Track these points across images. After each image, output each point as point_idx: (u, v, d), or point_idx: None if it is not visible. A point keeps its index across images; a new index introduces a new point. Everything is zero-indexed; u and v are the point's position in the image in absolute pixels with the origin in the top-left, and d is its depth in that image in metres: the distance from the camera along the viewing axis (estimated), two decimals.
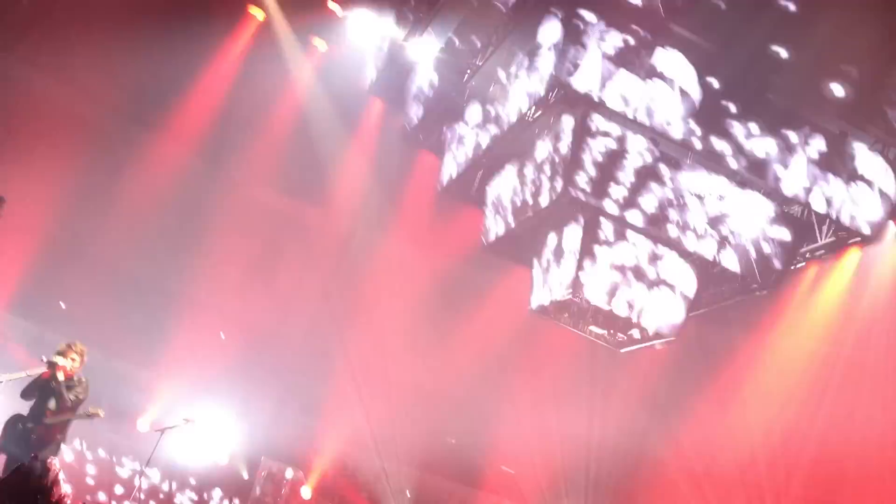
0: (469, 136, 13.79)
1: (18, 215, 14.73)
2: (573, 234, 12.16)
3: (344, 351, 17.48)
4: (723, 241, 11.84)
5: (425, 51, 13.47)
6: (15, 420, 9.41)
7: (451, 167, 14.38)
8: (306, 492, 17.73)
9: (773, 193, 11.57)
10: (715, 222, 11.80)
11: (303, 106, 16.59)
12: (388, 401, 17.54)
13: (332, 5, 14.76)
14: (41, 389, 9.31)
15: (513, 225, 13.15)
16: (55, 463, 9.34)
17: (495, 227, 13.73)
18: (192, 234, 16.70)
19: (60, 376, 9.28)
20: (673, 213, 11.64)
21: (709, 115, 11.03)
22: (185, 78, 16.26)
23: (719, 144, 11.09)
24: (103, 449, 16.44)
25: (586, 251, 11.94)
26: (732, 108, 11.15)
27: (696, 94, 10.95)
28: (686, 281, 12.23)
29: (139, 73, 15.43)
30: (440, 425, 17.97)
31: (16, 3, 14.88)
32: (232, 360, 17.46)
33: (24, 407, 9.49)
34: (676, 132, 10.94)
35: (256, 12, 16.24)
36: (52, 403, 9.29)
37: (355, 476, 19.04)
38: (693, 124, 10.95)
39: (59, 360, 9.40)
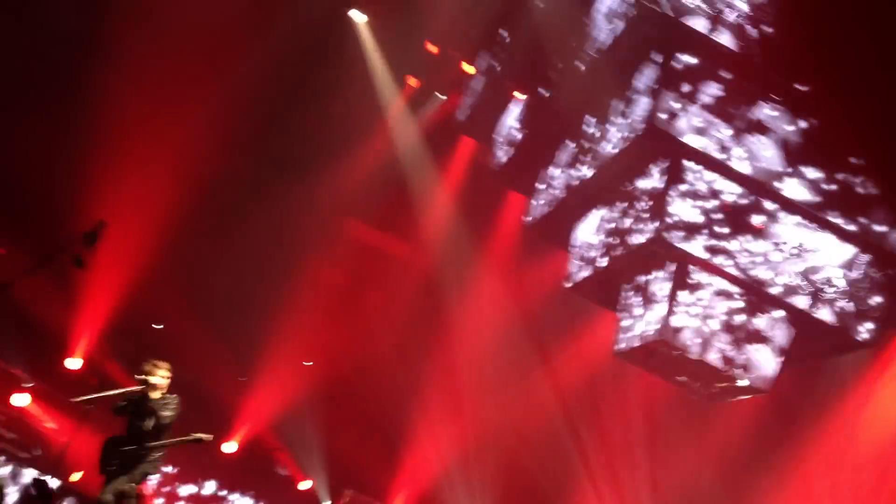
0: (558, 177, 13.66)
1: (117, 239, 15.32)
2: (662, 279, 11.85)
3: (427, 385, 17.45)
4: (819, 294, 11.33)
5: (516, 89, 13.45)
6: (113, 441, 9.41)
7: (538, 206, 14.26)
8: None
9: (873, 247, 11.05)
10: (811, 273, 11.32)
11: (394, 139, 16.77)
12: (469, 436, 17.41)
13: (430, 47, 14.89)
14: (136, 408, 9.28)
15: (599, 267, 12.90)
16: (148, 483, 9.53)
17: (581, 267, 13.50)
18: (282, 261, 17.00)
19: (156, 395, 9.27)
20: (767, 263, 11.23)
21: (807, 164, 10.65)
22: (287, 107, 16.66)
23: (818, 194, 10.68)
24: (189, 470, 16.85)
25: (675, 297, 11.60)
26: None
27: (795, 141, 10.59)
28: (780, 333, 11.74)
29: (235, 100, 15.84)
30: (520, 464, 17.72)
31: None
32: (316, 388, 17.68)
33: (121, 427, 9.47)
34: (774, 181, 10.59)
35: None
36: (148, 423, 9.20)
37: None
38: (792, 173, 10.59)
39: (153, 378, 9.41)
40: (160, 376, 9.45)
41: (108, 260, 15.40)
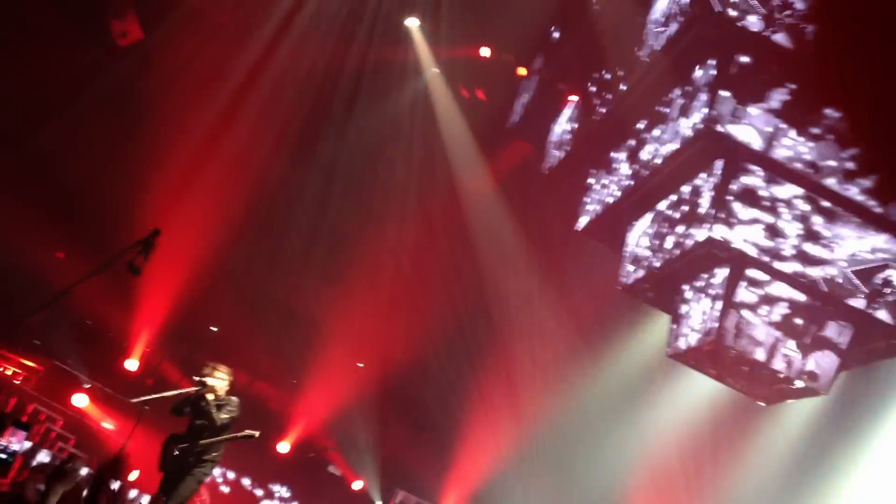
0: (611, 178, 13.64)
1: (173, 243, 15.62)
2: (717, 280, 11.79)
3: (479, 385, 17.52)
4: (878, 293, 11.20)
5: (569, 92, 13.46)
6: (171, 440, 9.63)
7: (591, 209, 14.25)
8: None
9: None
10: (871, 274, 11.19)
11: (445, 142, 16.85)
12: (519, 437, 17.44)
13: (483, 51, 14.94)
14: (193, 408, 9.49)
15: (653, 268, 12.86)
16: (203, 481, 9.70)
17: (634, 269, 13.47)
18: (335, 264, 17.19)
19: (210, 396, 9.45)
20: (826, 264, 11.12)
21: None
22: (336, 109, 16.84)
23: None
24: (243, 470, 17.09)
25: (731, 298, 11.54)
26: None
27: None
28: (839, 335, 11.62)
29: (288, 107, 16.03)
30: (572, 465, 17.70)
31: None
32: (368, 389, 17.85)
33: (181, 427, 9.70)
34: (834, 183, 10.50)
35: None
36: (205, 423, 9.43)
37: None
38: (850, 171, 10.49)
39: (209, 380, 9.59)
40: (217, 378, 9.62)
41: (164, 264, 15.70)
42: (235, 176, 16.13)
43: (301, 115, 16.04)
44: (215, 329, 18.43)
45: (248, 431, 9.49)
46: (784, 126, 10.43)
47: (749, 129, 10.42)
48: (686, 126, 11.19)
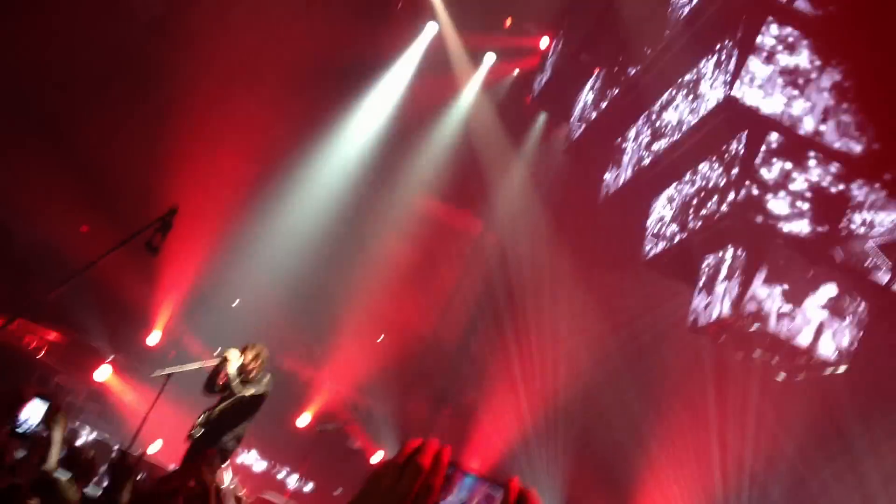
0: (633, 150, 13.58)
1: (200, 217, 15.70)
2: (740, 253, 11.75)
3: (497, 359, 17.55)
4: None
5: (591, 64, 13.37)
6: (206, 412, 9.52)
7: (612, 181, 14.20)
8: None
9: None
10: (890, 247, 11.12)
11: (467, 115, 16.81)
12: (539, 410, 17.47)
13: (507, 21, 14.85)
14: (223, 385, 9.40)
15: (675, 241, 12.83)
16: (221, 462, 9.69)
17: (657, 242, 13.44)
18: (356, 238, 17.22)
19: (231, 369, 9.35)
20: (847, 239, 11.05)
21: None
22: (360, 86, 16.83)
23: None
24: (262, 443, 17.22)
25: (753, 272, 11.52)
26: None
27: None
28: (860, 309, 11.58)
29: (308, 82, 16.03)
30: (592, 437, 17.75)
31: None
32: (388, 362, 17.92)
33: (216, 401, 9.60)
34: (857, 154, 10.41)
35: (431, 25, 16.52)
36: (232, 399, 9.33)
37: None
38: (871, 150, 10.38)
39: (231, 353, 9.55)
40: (244, 354, 9.55)
41: (188, 238, 15.79)
42: (259, 150, 16.14)
43: (321, 90, 16.02)
44: (236, 303, 18.52)
45: (253, 392, 9.35)
46: (809, 97, 10.31)
47: (777, 102, 10.32)
48: (708, 98, 11.10)
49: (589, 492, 18.43)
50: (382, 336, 18.49)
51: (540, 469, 18.13)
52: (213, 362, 9.54)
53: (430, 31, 16.32)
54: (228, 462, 9.87)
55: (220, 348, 9.68)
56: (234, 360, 9.41)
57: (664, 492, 16.74)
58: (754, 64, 10.31)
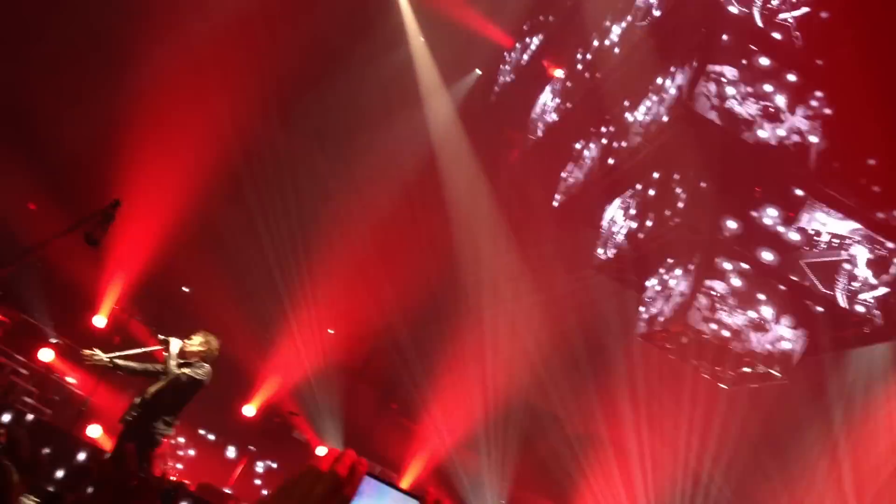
0: (589, 156, 13.72)
1: (148, 201, 15.52)
2: (688, 262, 11.96)
3: (446, 358, 17.61)
4: (845, 283, 11.41)
5: (551, 67, 13.48)
6: (140, 395, 9.43)
7: (568, 185, 14.34)
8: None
9: None
10: (839, 264, 11.40)
11: (426, 114, 16.84)
12: (485, 409, 17.57)
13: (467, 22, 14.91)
14: (161, 369, 9.30)
15: (625, 248, 13.01)
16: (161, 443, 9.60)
17: (607, 248, 13.61)
18: (312, 231, 17.15)
19: (172, 349, 9.26)
20: (794, 249, 11.31)
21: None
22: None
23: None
24: (209, 431, 17.08)
25: (700, 280, 11.73)
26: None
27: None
28: (805, 320, 11.85)
29: (272, 70, 15.93)
30: (533, 439, 17.94)
31: None
32: (337, 356, 17.90)
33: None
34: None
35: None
36: (162, 378, 9.27)
37: (451, 481, 19.19)
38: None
39: (173, 338, 9.47)
40: (189, 339, 9.46)
41: (138, 221, 15.59)
42: (216, 135, 15.97)
43: (285, 79, 15.92)
44: (187, 289, 18.33)
45: (189, 375, 9.29)
46: (764, 104, 10.53)
47: (727, 108, 10.51)
48: (662, 106, 11.28)
49: (531, 492, 18.61)
50: (332, 330, 18.44)
51: (484, 468, 18.25)
52: (156, 348, 9.44)
53: (393, 25, 16.34)
54: (160, 446, 9.76)
55: (160, 335, 9.59)
56: (175, 344, 9.35)
57: (607, 493, 16.96)
58: (712, 73, 10.49)
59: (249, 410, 17.58)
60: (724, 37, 10.60)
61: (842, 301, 11.35)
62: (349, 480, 1.21)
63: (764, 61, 10.68)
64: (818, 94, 10.92)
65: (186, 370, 9.28)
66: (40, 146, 16.30)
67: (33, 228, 15.15)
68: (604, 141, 13.43)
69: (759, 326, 11.81)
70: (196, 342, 9.51)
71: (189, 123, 15.52)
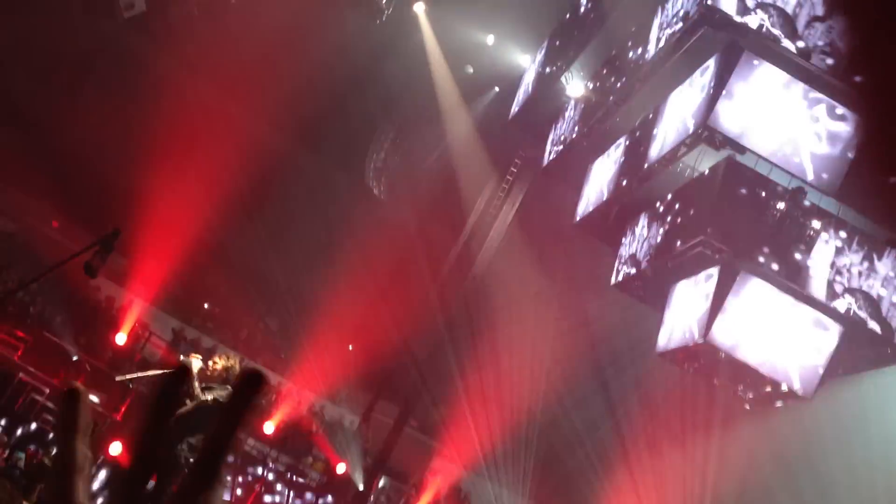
0: (609, 174, 13.67)
1: (170, 219, 15.61)
2: (709, 281, 11.85)
3: (465, 374, 17.55)
4: (867, 302, 11.27)
5: (570, 87, 13.45)
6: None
7: (587, 203, 14.29)
8: None
9: None
10: (861, 282, 11.26)
11: (449, 129, 16.86)
12: (504, 428, 17.49)
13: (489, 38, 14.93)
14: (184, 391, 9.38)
15: (645, 266, 12.92)
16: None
17: (627, 266, 13.53)
18: (331, 248, 17.18)
19: (193, 370, 9.23)
20: (815, 270, 11.19)
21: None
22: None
23: None
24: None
25: (721, 300, 11.61)
26: None
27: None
28: (826, 341, 11.69)
29: (295, 89, 16.00)
30: (556, 456, 17.82)
31: None
32: (356, 372, 17.88)
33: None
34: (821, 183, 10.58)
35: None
36: (186, 402, 9.29)
37: (468, 499, 19.11)
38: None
39: (193, 360, 9.44)
40: (209, 362, 9.50)
41: (160, 239, 15.70)
42: (236, 154, 16.05)
43: (307, 97, 15.98)
44: (207, 306, 18.40)
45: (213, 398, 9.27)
46: (778, 129, 10.46)
47: (745, 128, 10.45)
48: (681, 125, 11.22)
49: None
50: (352, 346, 18.43)
51: (506, 485, 18.16)
52: (171, 370, 9.39)
53: (416, 44, 16.36)
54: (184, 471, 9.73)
55: (183, 355, 9.62)
56: (196, 365, 9.34)
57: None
58: (733, 96, 10.43)
59: (269, 428, 17.56)
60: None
61: (863, 320, 11.21)
62: None
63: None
64: None
65: (211, 395, 9.27)
66: (63, 168, 16.44)
67: (56, 246, 15.29)
68: (619, 160, 13.38)
69: (781, 344, 11.69)
70: (219, 365, 9.55)
71: (212, 143, 15.63)
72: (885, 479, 12.79)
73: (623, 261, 13.68)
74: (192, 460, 9.35)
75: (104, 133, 15.99)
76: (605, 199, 13.64)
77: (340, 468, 17.70)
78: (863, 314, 11.25)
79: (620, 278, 13.65)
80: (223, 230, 16.48)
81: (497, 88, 15.99)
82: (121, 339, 17.29)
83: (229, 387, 9.47)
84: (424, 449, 18.76)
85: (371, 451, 18.24)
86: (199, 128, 15.92)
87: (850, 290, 11.28)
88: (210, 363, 9.62)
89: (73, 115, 15.72)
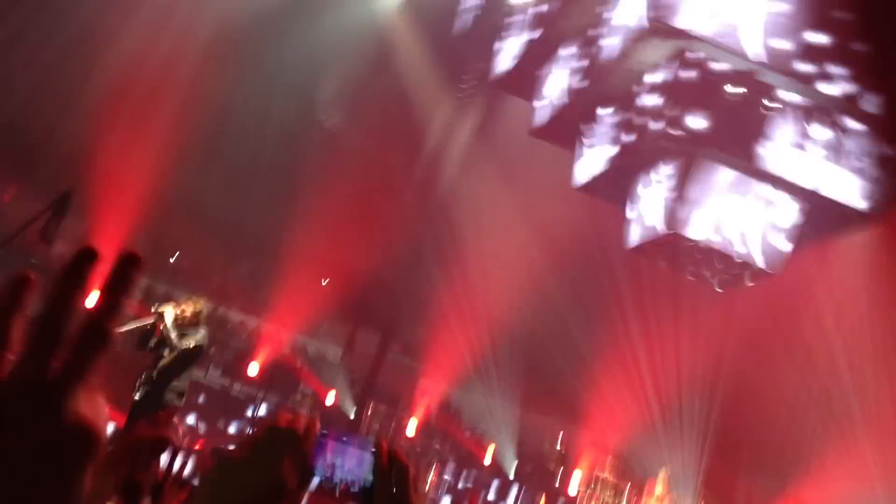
0: (563, 77, 13.61)
1: (125, 176, 15.35)
2: (670, 172, 11.99)
3: (443, 293, 17.71)
4: (826, 169, 11.49)
5: None
6: (142, 374, 9.49)
7: (543, 109, 14.25)
8: (411, 430, 18.19)
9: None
10: (823, 158, 11.46)
11: (396, 53, 16.61)
12: (488, 341, 17.76)
13: None
14: (158, 341, 9.30)
15: (607, 163, 13.01)
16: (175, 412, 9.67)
17: (589, 165, 13.61)
18: (292, 183, 17.03)
19: (167, 319, 9.29)
20: (776, 149, 11.34)
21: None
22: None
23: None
24: (215, 394, 17.18)
25: (684, 187, 11.79)
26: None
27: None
28: (789, 214, 11.94)
29: (236, 22, 15.64)
30: (538, 363, 18.19)
31: None
32: (333, 305, 17.96)
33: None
34: (778, 62, 10.63)
35: None
36: (165, 352, 9.30)
37: (459, 414, 19.52)
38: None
39: (166, 308, 9.45)
40: (180, 308, 9.47)
41: (118, 195, 15.46)
42: (183, 100, 15.70)
43: (248, 27, 15.57)
44: (174, 259, 18.28)
45: (193, 344, 9.36)
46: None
47: (696, 18, 10.44)
48: (633, 17, 11.16)
49: (543, 415, 18.95)
50: (325, 280, 18.47)
51: (494, 394, 18.55)
52: (150, 319, 9.39)
53: None
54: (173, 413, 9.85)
55: (156, 304, 9.59)
56: (170, 314, 9.36)
57: (615, 406, 17.30)
58: None
59: (253, 370, 17.70)
60: None
61: (823, 189, 11.44)
62: (306, 436, 1.30)
63: None
64: None
65: (189, 340, 9.35)
66: (7, 133, 16.00)
67: (8, 220, 14.97)
68: (574, 60, 13.31)
69: (746, 223, 11.92)
70: (189, 309, 9.55)
71: (154, 93, 15.29)
72: None
73: (584, 162, 13.74)
74: (177, 403, 9.45)
75: (41, 94, 15.52)
76: (560, 103, 13.62)
77: (329, 398, 17.94)
78: (826, 188, 11.49)
79: (584, 179, 13.74)
80: (180, 182, 16.21)
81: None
82: (91, 298, 17.17)
83: (201, 329, 9.56)
84: (410, 371, 19.04)
85: (358, 380, 18.47)
86: (140, 76, 15.53)
87: (811, 166, 11.48)
88: (179, 311, 9.62)
89: (14, 79, 15.22)
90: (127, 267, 0.69)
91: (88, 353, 0.67)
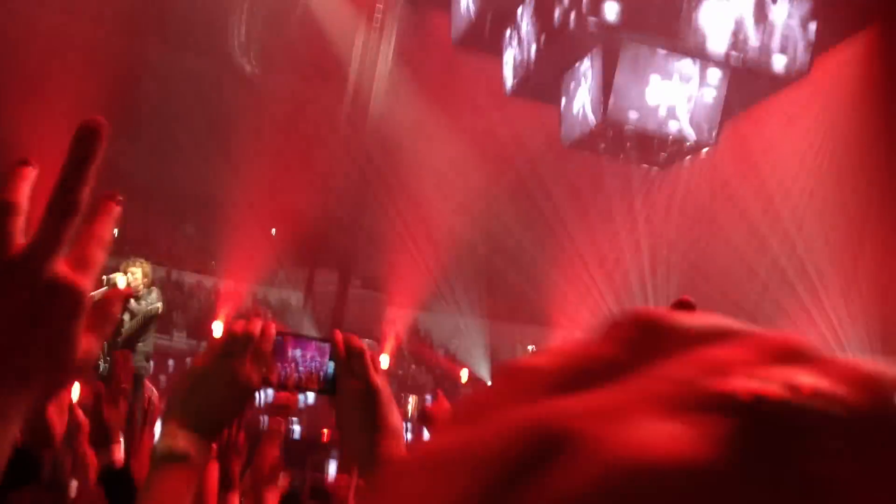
0: None
1: (52, 156, 14.93)
2: (594, 62, 12.06)
3: (393, 220, 17.70)
4: (745, 36, 11.64)
5: None
6: (106, 344, 9.52)
7: (461, 18, 14.15)
8: (384, 361, 18.35)
9: None
10: (745, 27, 11.59)
11: None
12: (445, 259, 17.87)
13: None
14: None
15: (534, 64, 13.02)
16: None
17: (516, 70, 13.61)
18: (221, 137, 16.78)
19: (121, 286, 9.23)
20: (692, 21, 11.45)
21: None
22: None
23: None
24: (184, 358, 17.15)
25: (608, 77, 11.90)
26: None
27: None
28: (713, 85, 12.13)
29: None
30: (497, 269, 18.42)
31: None
32: (287, 250, 17.89)
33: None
34: None
35: None
36: (126, 318, 9.01)
37: (430, 336, 19.74)
38: None
39: (118, 277, 9.37)
40: (129, 274, 9.39)
41: (48, 181, 15.04)
42: (89, 66, 15.23)
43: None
44: (118, 231, 18.01)
45: (152, 305, 9.36)
46: None
47: None
48: None
49: (508, 318, 19.26)
50: (275, 230, 18.36)
51: (461, 310, 18.76)
52: (102, 290, 9.28)
53: None
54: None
55: (104, 276, 9.48)
56: (122, 281, 9.29)
57: (570, 296, 17.60)
58: None
59: (217, 328, 17.64)
60: None
61: (746, 56, 11.61)
62: (263, 338, 1.35)
63: None
64: None
65: (146, 301, 9.31)
66: None
67: None
68: None
69: (675, 99, 12.09)
70: (138, 273, 9.46)
71: (62, 63, 14.85)
72: None
73: (511, 66, 13.72)
74: (146, 366, 9.44)
75: None
76: (476, 7, 13.52)
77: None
78: (747, 51, 11.66)
79: (513, 84, 13.75)
80: (109, 151, 15.83)
81: None
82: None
83: (153, 289, 9.52)
84: (374, 303, 19.11)
85: (324, 321, 18.51)
86: (51, 45, 15.06)
87: (729, 35, 11.62)
88: (130, 276, 9.49)
89: None
90: (88, 135, 0.70)
91: (59, 222, 0.69)
